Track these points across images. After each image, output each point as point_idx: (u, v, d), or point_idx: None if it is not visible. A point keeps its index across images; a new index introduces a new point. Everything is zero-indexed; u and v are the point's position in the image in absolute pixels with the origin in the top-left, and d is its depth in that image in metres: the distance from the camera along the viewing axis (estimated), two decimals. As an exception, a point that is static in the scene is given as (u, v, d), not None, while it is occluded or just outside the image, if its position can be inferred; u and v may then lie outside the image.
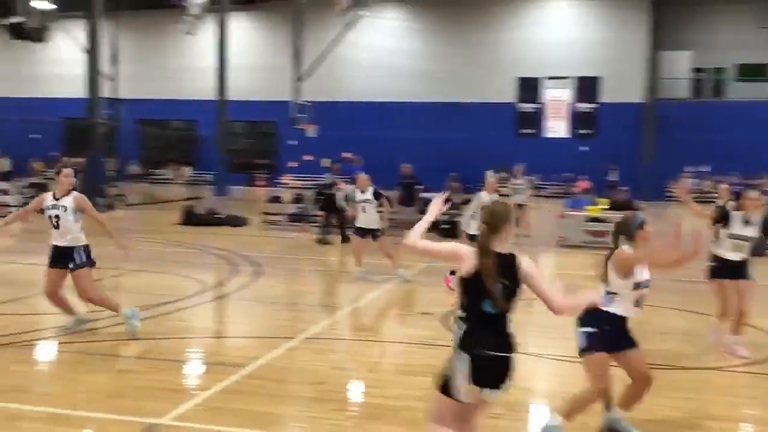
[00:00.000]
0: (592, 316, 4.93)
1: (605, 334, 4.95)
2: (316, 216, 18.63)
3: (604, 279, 5.01)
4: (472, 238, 10.31)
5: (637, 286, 4.96)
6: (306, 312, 9.43)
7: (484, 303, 3.70)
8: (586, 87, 35.21)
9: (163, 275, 11.40)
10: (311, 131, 33.19)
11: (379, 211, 11.45)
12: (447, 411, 3.83)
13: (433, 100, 35.89)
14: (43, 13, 21.48)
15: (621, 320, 5.03)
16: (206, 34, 33.24)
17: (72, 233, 7.36)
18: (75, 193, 7.49)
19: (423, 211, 14.83)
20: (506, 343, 3.76)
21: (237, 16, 35.05)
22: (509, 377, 3.78)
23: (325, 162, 30.66)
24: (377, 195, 11.13)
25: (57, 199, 7.39)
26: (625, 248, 4.99)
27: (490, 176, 10.66)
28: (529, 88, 35.78)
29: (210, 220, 18.83)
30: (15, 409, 5.33)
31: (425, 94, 36.07)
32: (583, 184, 32.28)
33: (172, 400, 5.61)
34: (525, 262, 3.80)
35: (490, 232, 3.77)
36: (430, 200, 15.10)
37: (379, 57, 36.74)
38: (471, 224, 10.22)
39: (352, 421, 5.41)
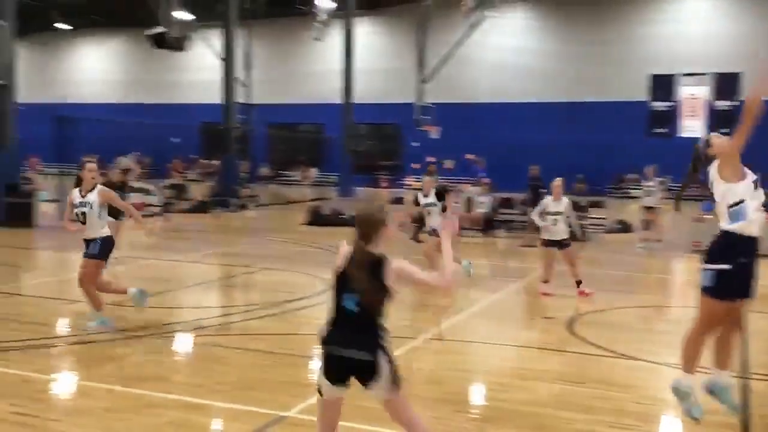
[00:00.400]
0: (724, 248, 4.56)
1: (739, 273, 4.54)
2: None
3: (716, 195, 4.68)
4: (546, 243, 10.16)
5: (754, 183, 4.65)
6: (426, 313, 9.45)
7: (345, 300, 3.77)
8: (726, 83, 33.22)
9: (290, 273, 11.78)
10: (434, 133, 33.30)
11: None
12: (319, 407, 3.91)
13: (560, 100, 35.07)
14: (183, 23, 22.73)
15: (754, 248, 4.61)
16: (333, 39, 34.09)
17: (96, 226, 7.55)
18: (99, 187, 7.65)
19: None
20: (362, 342, 3.71)
21: (362, 21, 35.69)
22: (368, 376, 3.70)
23: (448, 164, 30.60)
24: (440, 196, 10.99)
25: (83, 196, 7.56)
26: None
27: (557, 182, 10.31)
28: (663, 85, 34.23)
29: (335, 220, 19.28)
30: (154, 397, 5.66)
31: (551, 94, 35.30)
32: (722, 186, 30.47)
33: (299, 394, 5.77)
34: (394, 263, 3.77)
35: (362, 237, 3.82)
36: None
37: (504, 57, 36.31)
38: (541, 229, 10.20)
39: (472, 424, 5.37)
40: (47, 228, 17.24)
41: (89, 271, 7.58)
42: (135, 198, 20.59)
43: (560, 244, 10.12)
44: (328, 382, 3.79)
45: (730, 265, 4.55)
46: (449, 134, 33.84)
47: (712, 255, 4.66)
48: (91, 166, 7.63)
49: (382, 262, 3.78)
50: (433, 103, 33.32)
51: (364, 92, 34.18)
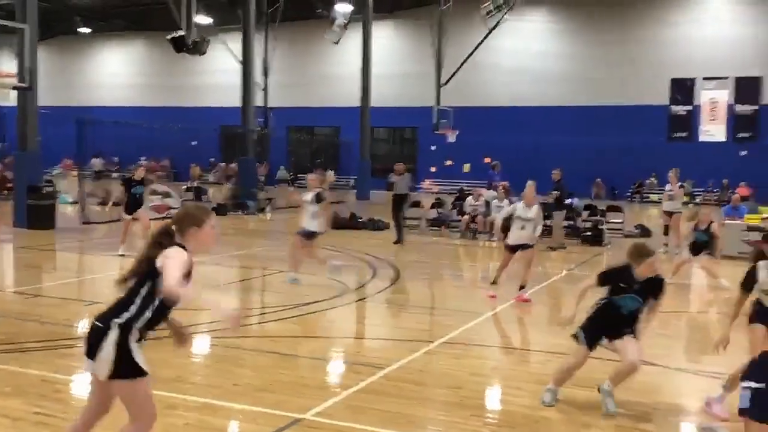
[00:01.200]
0: (759, 367, 4.06)
1: None
2: (456, 221, 18.66)
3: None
4: (508, 248, 9.96)
5: None
6: (444, 317, 9.45)
7: None
8: (747, 88, 32.96)
9: (307, 276, 11.80)
10: (451, 137, 33.25)
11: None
12: None
13: (579, 104, 34.92)
14: (203, 27, 22.90)
15: None
16: (351, 42, 34.16)
17: None
18: None
19: (570, 217, 14.30)
20: (107, 312, 3.75)
21: (380, 25, 35.73)
22: (93, 345, 3.68)
23: (465, 167, 30.52)
24: (318, 198, 10.95)
25: None
26: None
27: (529, 187, 9.98)
28: (683, 89, 33.99)
29: (352, 223, 19.30)
30: (172, 398, 5.69)
31: (570, 98, 35.16)
32: (743, 190, 30.18)
33: (315, 397, 5.79)
34: (168, 250, 3.68)
35: (175, 229, 3.81)
36: (573, 205, 14.61)
37: (523, 60, 36.21)
38: (510, 234, 9.97)
39: (489, 429, 5.36)
40: (68, 230, 17.42)
41: None
42: (155, 201, 20.79)
43: (523, 247, 9.89)
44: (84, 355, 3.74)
45: (764, 383, 3.94)
46: (467, 138, 33.77)
47: (751, 372, 4.06)
48: None
49: (165, 246, 3.73)
50: (450, 107, 33.30)
51: (381, 95, 34.21)
